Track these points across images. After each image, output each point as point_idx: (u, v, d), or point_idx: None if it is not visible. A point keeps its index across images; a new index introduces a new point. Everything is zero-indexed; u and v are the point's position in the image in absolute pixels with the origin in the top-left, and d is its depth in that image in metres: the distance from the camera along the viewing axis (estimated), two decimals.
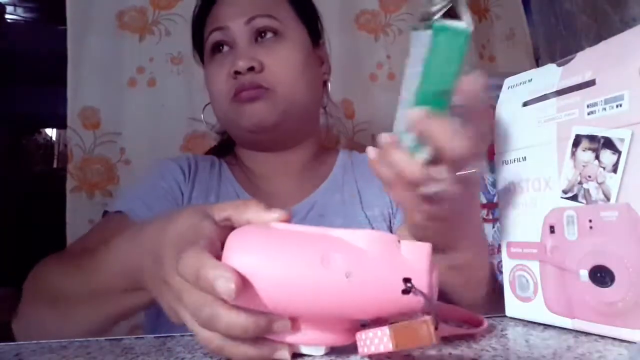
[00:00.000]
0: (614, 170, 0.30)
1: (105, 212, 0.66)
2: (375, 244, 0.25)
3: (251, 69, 0.63)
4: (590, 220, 0.31)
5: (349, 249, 0.25)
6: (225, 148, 0.82)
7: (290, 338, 0.27)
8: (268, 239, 0.26)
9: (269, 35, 0.66)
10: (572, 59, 0.34)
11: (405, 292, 0.25)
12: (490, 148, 0.37)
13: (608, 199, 0.30)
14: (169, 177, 0.67)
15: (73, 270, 0.49)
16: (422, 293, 0.24)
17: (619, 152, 0.30)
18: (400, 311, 0.25)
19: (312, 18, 0.74)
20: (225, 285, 0.24)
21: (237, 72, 0.63)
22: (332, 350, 0.28)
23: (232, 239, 0.27)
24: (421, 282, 0.25)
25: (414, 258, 0.25)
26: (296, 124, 0.68)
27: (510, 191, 0.37)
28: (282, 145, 0.70)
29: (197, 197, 0.66)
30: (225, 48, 0.67)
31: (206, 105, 0.76)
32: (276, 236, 0.26)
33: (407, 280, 0.25)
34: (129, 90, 1.10)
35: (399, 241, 0.26)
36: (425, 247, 0.26)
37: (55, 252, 0.58)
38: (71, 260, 0.52)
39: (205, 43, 0.70)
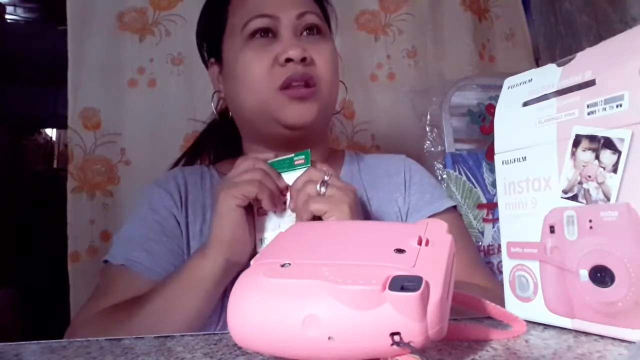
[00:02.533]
0: (614, 170, 0.30)
1: (106, 261, 0.63)
2: (359, 300, 0.24)
3: (303, 59, 0.62)
4: (590, 220, 0.31)
5: (333, 308, 0.25)
6: (221, 147, 0.80)
7: None
8: (261, 295, 0.26)
9: (314, 32, 0.66)
10: (572, 59, 0.34)
11: (395, 343, 0.24)
12: (490, 148, 0.37)
13: (608, 199, 0.30)
14: (160, 209, 0.65)
15: (127, 318, 0.53)
16: (411, 346, 0.24)
17: (619, 152, 0.30)
18: (393, 356, 0.25)
19: (331, 21, 0.75)
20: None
21: (288, 60, 0.61)
22: None
23: (233, 295, 0.27)
24: (412, 330, 0.24)
25: (403, 307, 0.24)
26: (320, 124, 0.68)
27: (510, 191, 0.37)
28: (302, 146, 0.65)
29: (193, 221, 0.65)
30: (266, 34, 0.65)
31: (214, 93, 0.74)
32: (269, 291, 0.26)
33: (395, 334, 0.24)
34: (129, 90, 1.11)
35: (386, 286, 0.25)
36: (413, 296, 0.24)
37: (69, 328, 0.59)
38: (112, 316, 0.55)
39: (242, 26, 0.65)
